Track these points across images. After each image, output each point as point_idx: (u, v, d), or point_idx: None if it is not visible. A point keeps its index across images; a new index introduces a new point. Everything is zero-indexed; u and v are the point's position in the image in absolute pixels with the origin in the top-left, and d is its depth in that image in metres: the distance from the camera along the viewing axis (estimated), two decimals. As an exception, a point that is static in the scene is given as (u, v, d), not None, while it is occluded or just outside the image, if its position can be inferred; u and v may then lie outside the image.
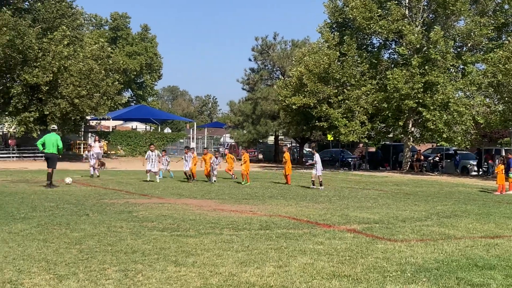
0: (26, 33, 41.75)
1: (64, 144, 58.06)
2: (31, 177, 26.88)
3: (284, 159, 26.07)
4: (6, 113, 45.25)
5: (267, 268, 8.12)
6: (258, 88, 53.46)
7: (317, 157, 23.35)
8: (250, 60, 56.27)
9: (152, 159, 24.91)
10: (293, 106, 41.53)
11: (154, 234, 10.83)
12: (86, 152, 29.59)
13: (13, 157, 45.45)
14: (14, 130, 44.71)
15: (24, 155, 46.14)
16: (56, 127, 23.75)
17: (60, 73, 42.70)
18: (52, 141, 21.80)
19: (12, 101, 42.67)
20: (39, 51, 42.70)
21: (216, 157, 25.64)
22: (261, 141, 57.56)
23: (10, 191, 19.41)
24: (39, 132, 44.36)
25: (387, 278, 7.74)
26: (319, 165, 23.11)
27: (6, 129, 48.94)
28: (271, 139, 60.95)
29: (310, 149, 25.50)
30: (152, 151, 25.26)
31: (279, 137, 58.39)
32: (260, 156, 62.55)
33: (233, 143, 66.47)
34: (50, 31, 45.53)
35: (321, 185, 22.97)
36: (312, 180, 23.19)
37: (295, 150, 58.09)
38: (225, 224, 12.20)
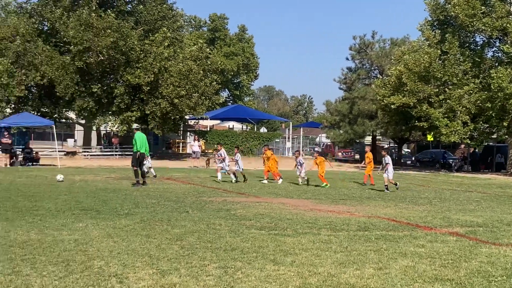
0: (129, 35, 43.14)
1: (163, 143, 59.77)
2: (133, 174, 27.66)
3: (367, 159, 25.72)
4: (110, 112, 46.87)
5: (366, 270, 7.99)
6: (355, 88, 52.87)
7: (388, 159, 22.73)
8: (347, 59, 55.72)
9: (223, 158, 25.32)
10: (392, 106, 40.78)
11: (252, 232, 10.89)
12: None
13: (116, 155, 47.05)
14: (117, 129, 46.25)
15: (126, 153, 47.63)
16: (138, 126, 24.26)
17: (160, 73, 43.84)
18: (142, 139, 21.71)
19: (115, 101, 44.20)
20: (141, 52, 44.01)
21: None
22: (357, 141, 56.90)
23: (114, 187, 20.11)
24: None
25: (492, 283, 7.45)
26: (390, 167, 22.41)
27: (110, 128, 50.72)
28: (368, 139, 60.13)
29: (383, 152, 24.34)
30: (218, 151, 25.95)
31: (377, 137, 57.55)
32: (357, 157, 61.85)
33: (329, 143, 66.07)
34: (151, 33, 46.85)
35: (396, 184, 22.40)
36: (385, 185, 22.26)
37: (393, 150, 57.08)
38: (323, 224, 12.12)
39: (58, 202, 15.03)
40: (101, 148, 50.46)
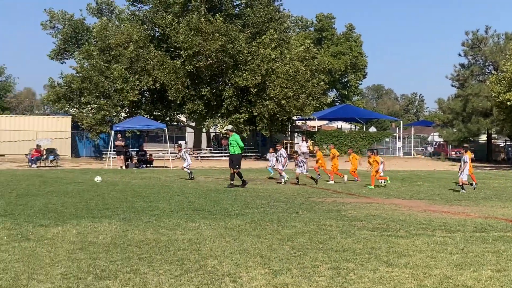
0: (237, 38, 43.80)
1: (271, 144, 60.18)
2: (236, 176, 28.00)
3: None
4: (219, 114, 47.78)
5: (484, 272, 7.67)
6: (468, 84, 51.10)
7: (466, 158, 21.47)
8: (459, 55, 54.03)
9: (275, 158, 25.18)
10: (508, 103, 39.09)
11: (363, 233, 10.74)
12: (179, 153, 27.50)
13: (225, 156, 47.85)
14: (226, 131, 47.08)
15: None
16: (233, 128, 24.15)
17: (268, 75, 44.19)
18: (231, 141, 21.62)
19: (224, 103, 45.00)
20: (249, 54, 44.56)
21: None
22: (472, 139, 54.94)
23: (224, 188, 20.42)
24: (248, 133, 46.34)
25: None
26: (467, 167, 21.17)
27: (219, 130, 51.69)
28: (483, 138, 57.96)
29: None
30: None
31: (492, 135, 55.34)
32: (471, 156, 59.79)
33: (441, 142, 64.20)
34: (258, 35, 47.31)
35: (462, 188, 20.99)
36: (460, 185, 20.96)
37: (509, 149, 54.70)
38: (437, 225, 11.76)
39: (172, 203, 15.44)
40: (210, 150, 51.53)
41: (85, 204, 14.88)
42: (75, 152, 48.10)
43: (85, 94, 43.84)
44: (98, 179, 22.56)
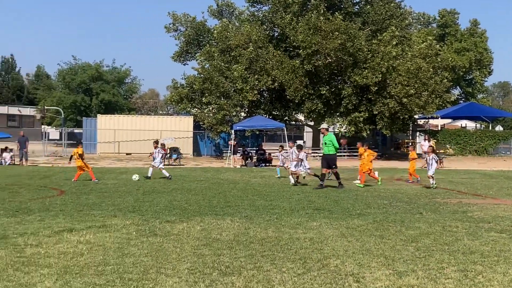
0: (356, 36, 43.29)
1: (392, 143, 59.05)
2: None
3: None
4: (338, 113, 47.44)
5: None
6: None
7: None
8: None
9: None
10: None
11: (491, 235, 10.32)
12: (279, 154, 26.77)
13: (344, 155, 47.50)
14: (345, 130, 46.64)
15: (354, 154, 47.92)
16: (326, 125, 22.39)
17: (388, 73, 43.38)
18: (325, 140, 20.69)
19: (343, 102, 44.61)
20: (368, 52, 43.94)
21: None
22: None
23: (344, 188, 20.21)
24: (368, 132, 45.71)
25: None
26: None
27: (338, 129, 51.37)
28: None
29: None
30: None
31: None
32: None
33: None
34: (379, 32, 46.54)
35: None
36: None
37: None
38: None
39: (292, 202, 15.50)
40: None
41: (208, 202, 15.24)
42: (196, 151, 49.39)
43: (206, 94, 44.87)
44: (135, 177, 22.72)
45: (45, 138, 52.03)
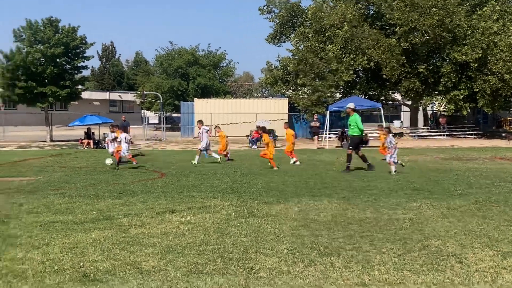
0: (455, 11, 41.90)
1: (494, 121, 56.89)
2: (462, 154, 26.95)
3: None
4: (436, 92, 46.23)
5: None
6: None
7: None
8: None
9: None
10: None
11: None
12: None
13: (444, 135, 46.31)
14: (444, 109, 45.44)
15: (454, 133, 46.64)
16: (353, 105, 20.29)
17: (489, 49, 41.76)
18: (350, 122, 19.73)
19: (441, 80, 43.38)
20: (468, 28, 42.47)
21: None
22: None
23: (444, 168, 19.76)
24: (468, 110, 44.30)
25: None
26: None
27: (437, 108, 50.04)
28: None
29: None
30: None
31: None
32: None
33: None
34: (478, 7, 44.88)
35: None
36: None
37: None
38: None
39: (390, 182, 15.28)
40: (428, 129, 50.11)
41: (304, 183, 15.26)
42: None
43: (301, 76, 44.81)
44: (108, 161, 21.60)
45: (145, 122, 53.60)
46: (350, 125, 19.70)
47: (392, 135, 18.90)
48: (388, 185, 14.49)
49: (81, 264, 6.98)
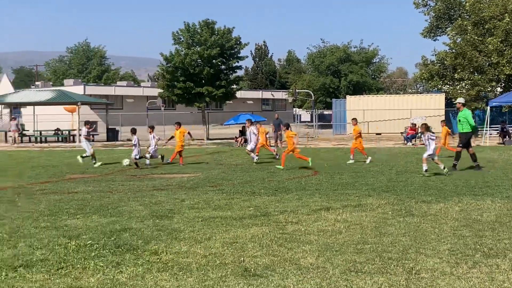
0: None
1: None
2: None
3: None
4: None
5: None
6: None
7: None
8: None
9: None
10: None
11: None
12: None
13: None
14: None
15: None
16: (463, 100, 19.21)
17: None
18: (460, 117, 18.50)
19: None
20: None
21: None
22: None
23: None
24: None
25: None
26: None
27: None
28: None
29: None
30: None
31: None
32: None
33: None
34: None
35: None
36: None
37: None
38: None
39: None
40: None
41: (464, 182, 14.66)
42: (450, 129, 47.75)
43: (459, 70, 43.22)
44: (126, 162, 21.34)
45: (297, 120, 54.12)
46: (459, 120, 18.65)
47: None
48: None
49: (242, 259, 7.14)
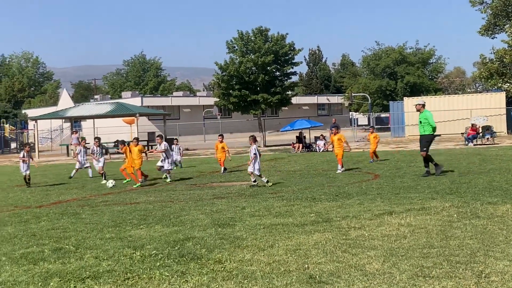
0: None
1: None
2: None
3: None
4: None
5: None
6: None
7: None
8: None
9: None
10: None
11: None
12: None
13: None
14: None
15: None
16: (422, 101, 18.20)
17: None
18: (421, 119, 17.56)
19: None
20: None
21: None
22: None
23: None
24: None
25: None
26: None
27: None
28: None
29: None
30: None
31: None
32: None
33: None
34: None
35: None
36: None
37: None
38: None
39: None
40: None
41: (531, 181, 14.25)
42: (511, 128, 46.58)
43: (518, 67, 42.19)
44: (110, 183, 18.98)
45: (354, 124, 53.68)
46: (420, 122, 17.69)
47: None
48: None
49: (306, 266, 7.08)
